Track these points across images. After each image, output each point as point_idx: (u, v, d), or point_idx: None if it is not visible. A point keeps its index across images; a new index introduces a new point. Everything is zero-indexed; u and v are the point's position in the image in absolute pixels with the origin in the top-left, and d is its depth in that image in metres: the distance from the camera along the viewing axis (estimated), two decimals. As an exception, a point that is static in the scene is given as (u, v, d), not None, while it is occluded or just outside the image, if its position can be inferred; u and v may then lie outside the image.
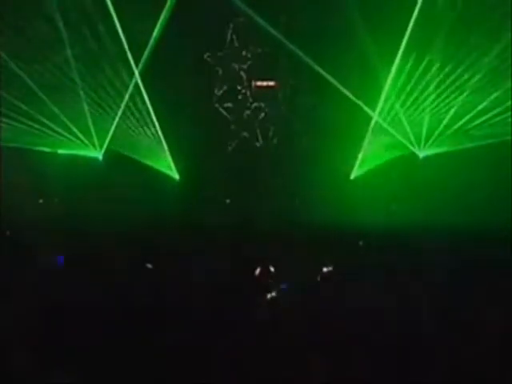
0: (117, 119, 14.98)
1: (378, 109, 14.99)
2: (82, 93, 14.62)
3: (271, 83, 15.66)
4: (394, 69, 14.57)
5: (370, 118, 15.10)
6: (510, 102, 14.08)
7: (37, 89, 14.24)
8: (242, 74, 15.55)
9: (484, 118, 14.35)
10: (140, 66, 14.67)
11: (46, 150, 14.89)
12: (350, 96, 14.79)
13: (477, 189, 13.98)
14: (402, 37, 14.17)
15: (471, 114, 14.42)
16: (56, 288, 7.33)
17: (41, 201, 15.23)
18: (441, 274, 8.05)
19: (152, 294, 7.17)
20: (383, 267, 8.36)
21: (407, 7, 13.89)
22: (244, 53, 15.46)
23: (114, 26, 14.13)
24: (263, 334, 6.12)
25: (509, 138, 13.93)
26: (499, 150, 13.89)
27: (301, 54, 14.63)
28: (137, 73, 14.70)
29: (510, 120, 14.14)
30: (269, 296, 7.28)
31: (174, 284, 7.69)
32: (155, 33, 14.46)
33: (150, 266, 8.77)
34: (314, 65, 14.62)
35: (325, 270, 8.42)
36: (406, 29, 14.07)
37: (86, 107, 14.75)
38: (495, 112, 14.20)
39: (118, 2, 13.99)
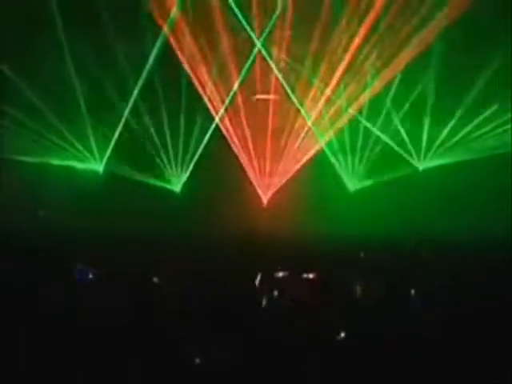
0: (117, 132, 15.02)
1: (378, 123, 15.05)
2: (83, 105, 14.67)
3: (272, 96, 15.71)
4: (392, 81, 14.64)
5: (369, 131, 15.14)
6: (509, 114, 14.13)
7: (38, 101, 14.29)
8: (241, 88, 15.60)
9: (483, 130, 14.40)
10: (140, 80, 14.76)
11: (48, 161, 14.92)
12: (350, 109, 14.88)
13: (477, 201, 13.99)
14: (400, 50, 14.26)
15: (471, 126, 14.47)
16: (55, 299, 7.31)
17: (40, 213, 15.24)
18: (441, 286, 8.04)
19: (155, 308, 7.16)
20: (383, 279, 8.35)
21: (411, 15, 13.97)
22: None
23: (118, 39, 14.22)
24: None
25: (508, 149, 13.97)
26: (499, 161, 13.92)
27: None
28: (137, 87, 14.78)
29: (509, 132, 14.20)
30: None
31: (176, 298, 7.68)
32: (156, 48, 14.58)
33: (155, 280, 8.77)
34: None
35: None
36: (403, 42, 14.17)
37: (86, 119, 14.80)
38: (495, 124, 14.26)
39: (119, 19, 14.09)
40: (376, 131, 15.06)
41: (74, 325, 6.50)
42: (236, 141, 15.64)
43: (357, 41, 14.45)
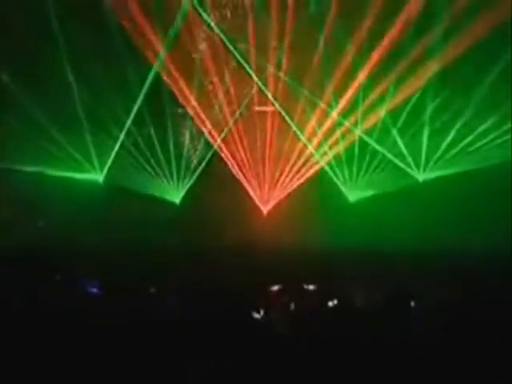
0: (119, 143, 15.05)
1: (375, 134, 15.09)
2: (84, 115, 14.70)
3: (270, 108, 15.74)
4: (389, 93, 14.68)
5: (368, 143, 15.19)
6: (509, 125, 14.15)
7: (39, 110, 14.32)
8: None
9: (484, 141, 14.42)
10: (143, 90, 14.82)
11: (48, 172, 14.91)
12: (347, 122, 14.96)
13: (478, 211, 13.98)
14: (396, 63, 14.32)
15: (471, 137, 14.49)
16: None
17: (40, 223, 15.22)
18: (442, 296, 8.03)
19: (154, 319, 7.14)
20: (384, 289, 8.33)
21: (407, 25, 14.02)
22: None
23: (122, 48, 14.30)
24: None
25: (509, 159, 13.99)
26: (500, 170, 13.94)
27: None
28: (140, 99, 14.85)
29: (510, 143, 14.21)
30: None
31: (175, 309, 7.66)
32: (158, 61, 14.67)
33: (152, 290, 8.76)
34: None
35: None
36: (399, 54, 14.22)
37: (88, 129, 14.82)
38: (495, 134, 14.29)
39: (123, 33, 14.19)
40: (374, 144, 15.08)
41: (74, 335, 6.49)
42: (236, 156, 15.68)
43: (352, 52, 14.49)
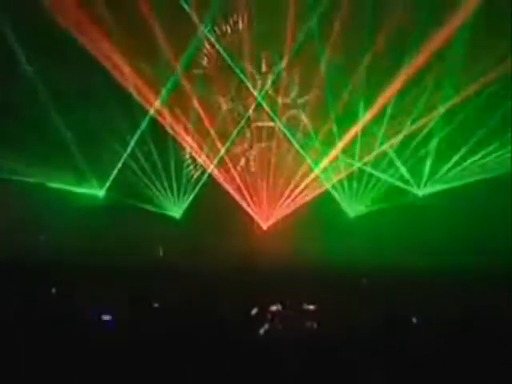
0: (121, 159, 15.11)
1: (372, 156, 15.16)
2: (85, 131, 14.75)
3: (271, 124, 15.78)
4: (388, 114, 14.78)
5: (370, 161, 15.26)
6: (509, 135, 14.20)
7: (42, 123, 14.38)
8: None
9: (483, 161, 14.47)
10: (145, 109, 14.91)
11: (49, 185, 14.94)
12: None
13: (478, 226, 13.99)
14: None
15: (469, 152, 14.54)
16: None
17: (42, 237, 15.22)
18: (442, 311, 8.01)
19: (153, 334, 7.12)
20: (383, 306, 8.32)
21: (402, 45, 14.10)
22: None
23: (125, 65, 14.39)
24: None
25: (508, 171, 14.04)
26: (498, 184, 13.97)
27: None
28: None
29: (509, 155, 14.25)
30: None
31: (174, 324, 7.64)
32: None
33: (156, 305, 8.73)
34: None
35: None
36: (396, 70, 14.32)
37: (91, 145, 14.87)
38: (493, 147, 14.34)
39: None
40: (370, 168, 15.20)
41: (72, 350, 6.47)
42: (235, 175, 15.75)
43: (352, 75, 14.60)
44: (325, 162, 15.37)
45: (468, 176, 14.56)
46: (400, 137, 14.86)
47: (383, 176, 15.22)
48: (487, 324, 7.04)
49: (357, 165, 15.25)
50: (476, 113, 14.13)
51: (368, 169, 15.28)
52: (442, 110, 14.53)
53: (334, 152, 15.26)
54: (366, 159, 15.24)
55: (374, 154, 15.13)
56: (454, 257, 13.49)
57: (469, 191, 14.28)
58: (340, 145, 15.15)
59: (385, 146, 15.05)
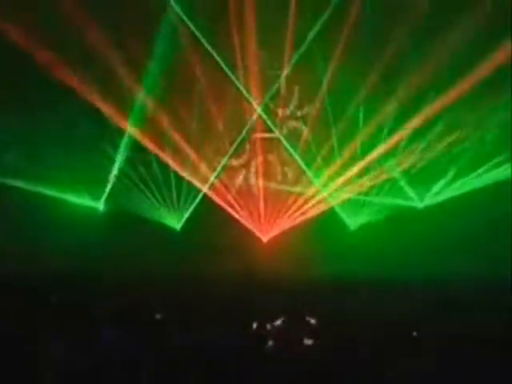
0: (119, 170, 15.10)
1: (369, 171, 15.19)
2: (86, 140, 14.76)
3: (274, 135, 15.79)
4: (388, 125, 14.80)
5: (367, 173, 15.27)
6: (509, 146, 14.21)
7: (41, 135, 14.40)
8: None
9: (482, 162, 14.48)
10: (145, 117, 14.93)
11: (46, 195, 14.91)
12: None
13: (479, 237, 13.97)
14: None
15: (470, 162, 14.55)
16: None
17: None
18: (442, 324, 7.99)
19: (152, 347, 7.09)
20: (383, 318, 8.30)
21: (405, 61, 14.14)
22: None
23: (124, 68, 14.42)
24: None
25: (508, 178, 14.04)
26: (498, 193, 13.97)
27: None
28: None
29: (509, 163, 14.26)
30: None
31: (175, 336, 7.62)
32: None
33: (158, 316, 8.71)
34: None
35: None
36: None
37: (88, 155, 14.87)
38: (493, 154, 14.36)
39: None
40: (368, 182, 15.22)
41: (69, 364, 6.44)
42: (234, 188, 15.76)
43: (354, 86, 14.63)
44: (325, 175, 15.35)
45: (468, 186, 14.57)
46: (401, 149, 14.87)
47: (383, 189, 15.22)
48: (490, 336, 7.03)
49: (357, 178, 15.23)
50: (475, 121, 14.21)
51: (368, 182, 15.27)
52: (441, 125, 14.55)
53: (335, 164, 15.25)
54: (367, 172, 15.23)
55: (375, 169, 15.12)
56: (456, 269, 13.45)
57: (469, 201, 14.26)
58: (341, 157, 15.14)
59: (387, 164, 15.08)
